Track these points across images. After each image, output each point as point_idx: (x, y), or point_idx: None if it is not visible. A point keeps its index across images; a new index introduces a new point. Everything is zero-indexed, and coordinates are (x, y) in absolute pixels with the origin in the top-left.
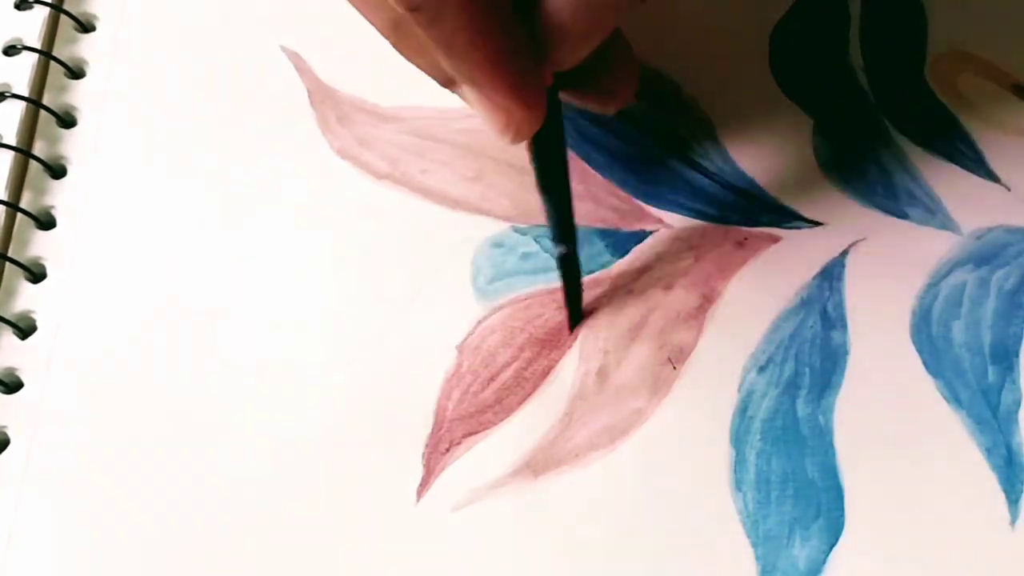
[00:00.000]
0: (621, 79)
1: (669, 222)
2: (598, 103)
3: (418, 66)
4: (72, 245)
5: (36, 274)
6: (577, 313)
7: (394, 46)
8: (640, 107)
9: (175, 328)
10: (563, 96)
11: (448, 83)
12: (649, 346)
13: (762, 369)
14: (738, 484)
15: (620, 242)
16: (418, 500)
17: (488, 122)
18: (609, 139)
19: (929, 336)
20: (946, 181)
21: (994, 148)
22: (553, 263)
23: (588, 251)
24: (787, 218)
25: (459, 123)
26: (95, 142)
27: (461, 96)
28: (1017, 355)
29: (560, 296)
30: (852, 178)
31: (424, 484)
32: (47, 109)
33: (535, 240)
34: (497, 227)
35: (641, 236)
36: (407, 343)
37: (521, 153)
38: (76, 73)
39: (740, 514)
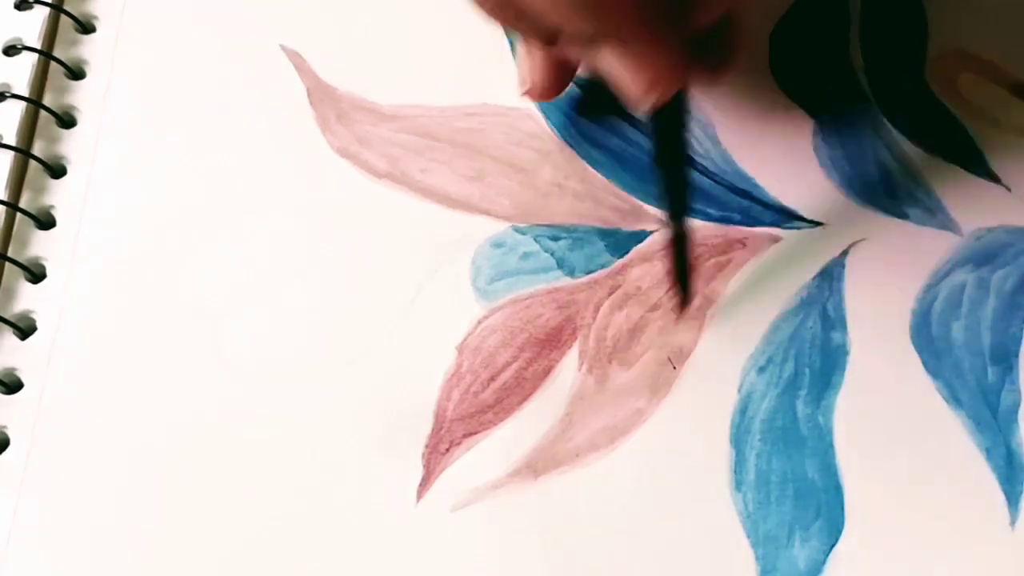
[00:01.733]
0: (735, 46)
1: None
2: (715, 72)
3: (515, 26)
4: (72, 245)
5: (36, 274)
6: (687, 292)
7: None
8: None
9: (175, 328)
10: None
11: (571, 39)
12: (649, 346)
13: (762, 369)
14: (738, 484)
15: (620, 242)
16: (418, 500)
17: (633, 82)
18: (609, 139)
19: (929, 336)
20: (946, 181)
21: (994, 148)
22: (553, 263)
23: (588, 251)
24: (787, 218)
25: (459, 122)
26: (95, 142)
27: (589, 58)
28: (1017, 355)
29: (560, 296)
30: (852, 178)
31: (424, 484)
32: (47, 109)
33: (535, 240)
34: (497, 227)
35: (641, 236)
36: (407, 343)
37: (521, 153)
38: (76, 73)
39: (740, 514)
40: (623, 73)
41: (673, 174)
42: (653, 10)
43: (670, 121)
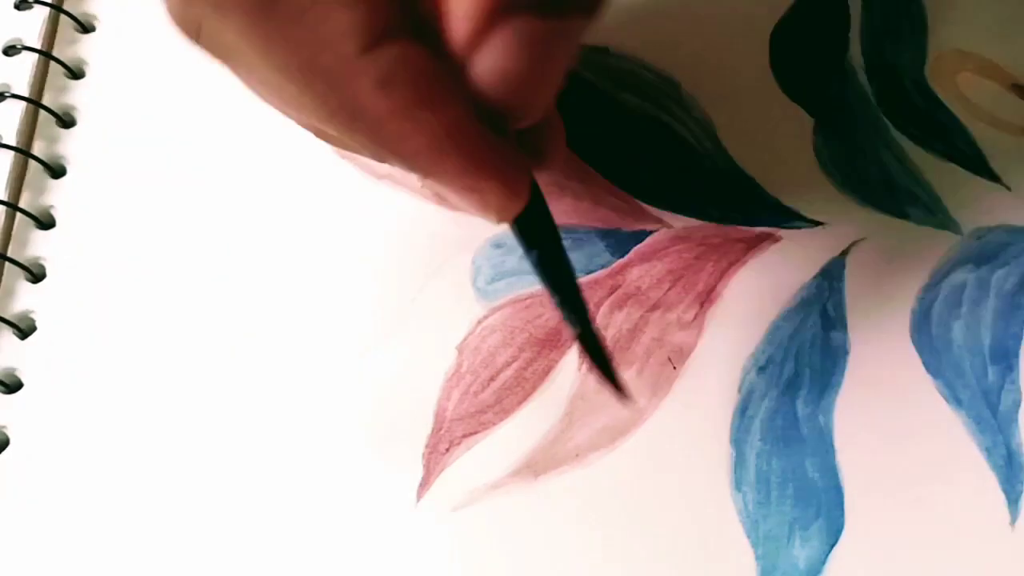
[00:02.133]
0: (554, 142)
1: (669, 222)
2: (538, 165)
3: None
4: (72, 245)
5: (36, 274)
6: (612, 377)
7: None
8: (640, 107)
9: (175, 328)
10: None
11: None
12: (649, 346)
13: (762, 369)
14: (738, 484)
15: (620, 242)
16: (418, 500)
17: (473, 206)
18: (609, 139)
19: (929, 336)
20: (946, 181)
21: (994, 148)
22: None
23: (588, 251)
24: (787, 218)
25: None
26: (95, 142)
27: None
28: (1017, 355)
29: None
30: (852, 178)
31: (424, 484)
32: (47, 109)
33: None
34: (497, 227)
35: (641, 236)
36: (407, 343)
37: None
38: (76, 73)
39: (740, 514)
40: (458, 201)
41: (556, 279)
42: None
43: (537, 224)
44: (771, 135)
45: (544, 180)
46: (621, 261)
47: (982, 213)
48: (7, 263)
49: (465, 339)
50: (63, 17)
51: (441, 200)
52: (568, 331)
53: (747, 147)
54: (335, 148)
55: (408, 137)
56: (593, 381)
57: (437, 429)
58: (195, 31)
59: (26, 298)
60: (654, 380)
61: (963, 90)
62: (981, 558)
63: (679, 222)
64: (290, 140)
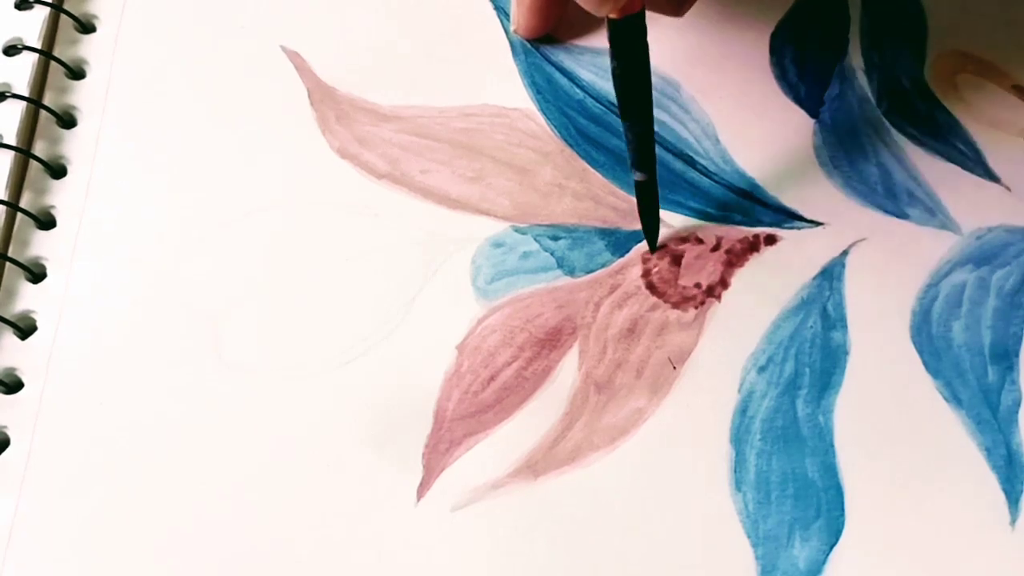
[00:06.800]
0: None
1: (669, 222)
2: (672, 4)
3: None
4: (72, 245)
5: (36, 274)
6: (654, 239)
7: None
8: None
9: (175, 328)
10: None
11: None
12: (649, 346)
13: (762, 369)
14: (738, 484)
15: (620, 242)
16: (418, 500)
17: None
18: (609, 139)
19: (929, 336)
20: (946, 181)
21: (994, 148)
22: (553, 262)
23: (588, 250)
24: (787, 218)
25: (459, 123)
26: (95, 142)
27: None
28: (1017, 355)
29: (560, 295)
30: (852, 178)
31: (424, 484)
32: (47, 109)
33: (535, 240)
34: (497, 227)
35: (641, 236)
36: (407, 343)
37: (521, 153)
38: (76, 73)
39: (740, 514)
40: None
41: (636, 122)
42: None
43: (632, 41)
44: (771, 135)
45: (546, 179)
46: (621, 261)
47: (982, 213)
48: (7, 263)
49: (465, 339)
50: (63, 17)
51: None
52: (633, 176)
53: (747, 147)
54: (335, 148)
55: None
56: (593, 381)
57: (437, 429)
58: None
59: (26, 298)
60: (654, 380)
61: (963, 91)
62: (981, 558)
63: (679, 222)
64: (290, 141)
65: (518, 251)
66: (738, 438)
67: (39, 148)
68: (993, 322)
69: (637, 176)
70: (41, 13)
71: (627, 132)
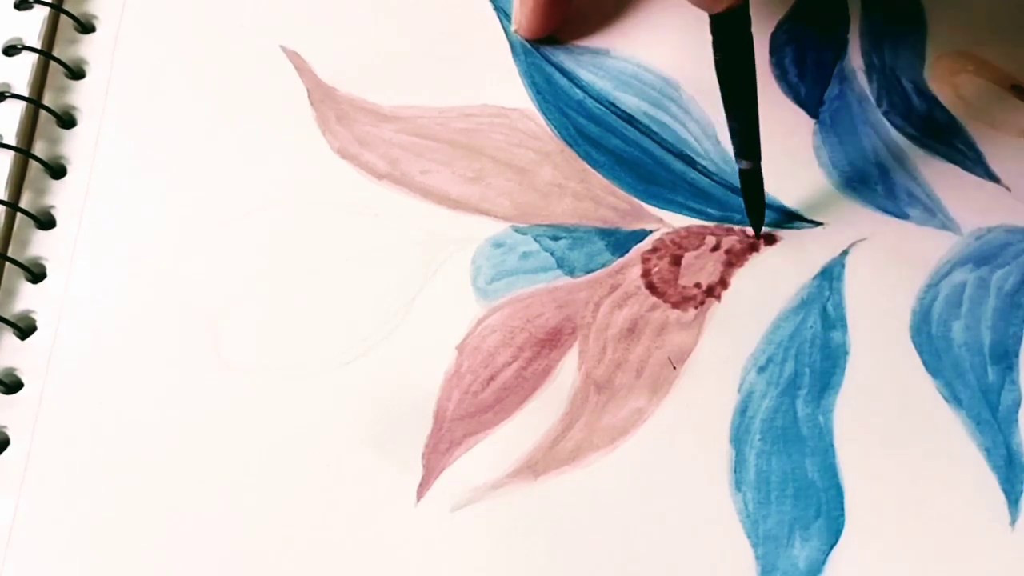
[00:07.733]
0: None
1: (669, 222)
2: None
3: None
4: (72, 245)
5: (36, 274)
6: (759, 223)
7: None
8: (640, 107)
9: (175, 328)
10: None
11: None
12: (649, 346)
13: (762, 369)
14: (738, 484)
15: (620, 242)
16: (418, 500)
17: None
18: (609, 139)
19: (929, 336)
20: (946, 181)
21: (994, 148)
22: (553, 262)
23: (588, 250)
24: (787, 218)
25: (459, 123)
26: (95, 142)
27: None
28: (1017, 355)
29: (560, 295)
30: (852, 178)
31: (424, 484)
32: (47, 109)
33: (535, 240)
34: (497, 227)
35: (641, 236)
36: (407, 343)
37: (521, 153)
38: (76, 73)
39: (740, 514)
40: None
41: (741, 113)
42: None
43: (738, 32)
44: (771, 135)
45: (546, 179)
46: (621, 261)
47: (982, 213)
48: (7, 263)
49: (465, 339)
50: (63, 17)
51: None
52: (739, 165)
53: None
54: (335, 148)
55: None
56: (593, 381)
57: (437, 429)
58: None
59: (26, 298)
60: (654, 380)
61: (962, 91)
62: (981, 558)
63: (679, 222)
64: (290, 141)
65: (518, 251)
66: (738, 438)
67: (39, 148)
68: (993, 322)
69: (742, 165)
70: (41, 13)
71: (730, 123)
